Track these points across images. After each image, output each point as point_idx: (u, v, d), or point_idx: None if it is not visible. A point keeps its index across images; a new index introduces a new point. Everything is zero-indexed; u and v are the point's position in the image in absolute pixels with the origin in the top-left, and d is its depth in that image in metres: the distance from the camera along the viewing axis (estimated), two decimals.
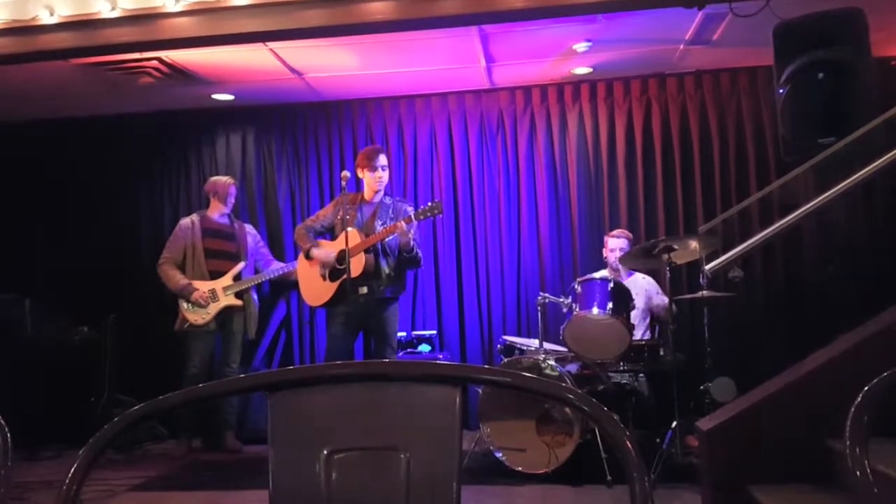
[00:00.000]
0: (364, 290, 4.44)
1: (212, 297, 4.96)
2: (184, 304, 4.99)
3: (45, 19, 3.98)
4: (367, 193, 4.64)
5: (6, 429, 1.28)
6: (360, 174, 4.64)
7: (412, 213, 4.40)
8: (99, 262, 5.86)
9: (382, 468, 1.02)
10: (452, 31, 4.44)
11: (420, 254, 4.62)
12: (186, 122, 6.02)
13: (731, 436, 2.99)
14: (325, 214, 4.74)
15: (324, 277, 4.55)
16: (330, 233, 4.74)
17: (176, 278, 4.99)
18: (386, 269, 4.51)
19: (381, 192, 4.66)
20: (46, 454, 4.87)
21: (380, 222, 4.51)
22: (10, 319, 5.18)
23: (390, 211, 4.59)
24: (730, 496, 2.94)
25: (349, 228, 4.33)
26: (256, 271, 5.22)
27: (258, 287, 5.30)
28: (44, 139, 5.96)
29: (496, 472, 3.98)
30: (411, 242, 4.40)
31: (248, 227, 5.38)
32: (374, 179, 4.57)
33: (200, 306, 4.95)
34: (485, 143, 5.77)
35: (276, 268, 5.19)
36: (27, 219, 6.01)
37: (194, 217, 5.17)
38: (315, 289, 4.59)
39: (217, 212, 5.18)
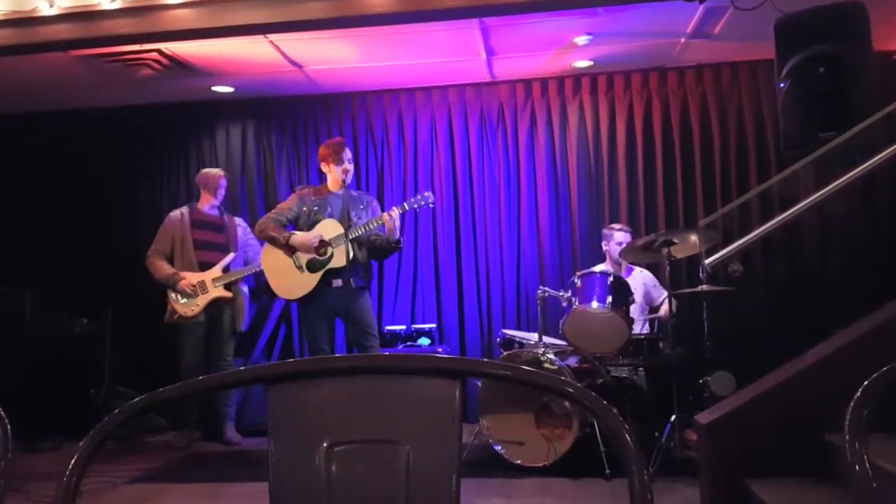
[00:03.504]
0: (339, 282, 4.44)
1: (200, 288, 4.94)
2: (172, 296, 4.96)
3: (45, 10, 3.97)
4: (331, 185, 4.62)
5: (6, 420, 1.28)
6: (324, 168, 4.62)
7: (404, 203, 4.49)
8: (98, 255, 5.86)
9: (382, 461, 1.02)
10: (453, 23, 4.43)
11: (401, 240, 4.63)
12: (186, 115, 6.01)
13: (729, 430, 3.00)
14: (288, 207, 4.64)
15: (300, 269, 4.47)
16: (293, 224, 4.66)
17: (162, 268, 4.97)
18: (360, 260, 4.54)
19: (346, 185, 4.66)
20: (46, 446, 4.87)
21: (354, 214, 4.53)
22: (11, 312, 5.19)
23: (360, 203, 4.62)
24: (728, 490, 2.94)
25: (327, 219, 4.38)
26: (247, 263, 5.18)
27: (256, 279, 5.28)
28: (42, 131, 5.95)
29: (495, 465, 3.99)
30: (398, 231, 4.44)
31: (238, 220, 5.34)
32: (342, 172, 4.57)
33: (188, 296, 4.93)
34: (485, 136, 5.77)
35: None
36: (27, 212, 5.99)
37: (183, 209, 5.15)
38: (290, 280, 4.49)
39: (207, 204, 5.16)
